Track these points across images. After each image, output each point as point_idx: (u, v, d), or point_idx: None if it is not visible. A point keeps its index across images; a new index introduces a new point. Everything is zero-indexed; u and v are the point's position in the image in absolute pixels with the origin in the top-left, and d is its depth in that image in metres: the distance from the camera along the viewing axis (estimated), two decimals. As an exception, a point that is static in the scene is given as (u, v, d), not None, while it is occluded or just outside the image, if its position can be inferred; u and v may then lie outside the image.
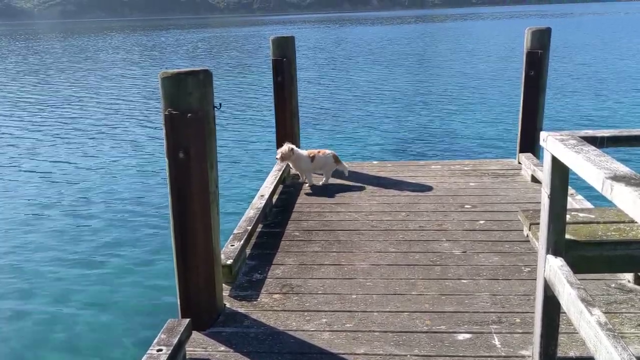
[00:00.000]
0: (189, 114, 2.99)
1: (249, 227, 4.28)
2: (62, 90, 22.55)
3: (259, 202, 4.83)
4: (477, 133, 12.68)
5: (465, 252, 4.16)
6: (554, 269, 2.36)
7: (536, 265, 3.78)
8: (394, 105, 16.60)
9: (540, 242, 2.53)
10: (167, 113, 3.04)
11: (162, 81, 3.05)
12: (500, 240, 4.35)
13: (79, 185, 9.60)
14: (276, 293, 3.62)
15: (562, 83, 19.45)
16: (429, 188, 5.70)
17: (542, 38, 6.10)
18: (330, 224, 4.79)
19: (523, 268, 3.86)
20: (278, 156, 5.72)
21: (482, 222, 4.74)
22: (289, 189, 5.81)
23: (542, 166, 5.76)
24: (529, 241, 4.19)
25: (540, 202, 2.52)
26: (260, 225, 4.73)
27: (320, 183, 5.88)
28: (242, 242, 4.00)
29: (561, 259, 2.40)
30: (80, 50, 47.43)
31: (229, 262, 3.68)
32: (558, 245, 2.44)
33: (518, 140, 6.46)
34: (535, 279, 2.65)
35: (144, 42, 55.91)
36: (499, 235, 4.44)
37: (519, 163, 6.34)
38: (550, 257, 2.44)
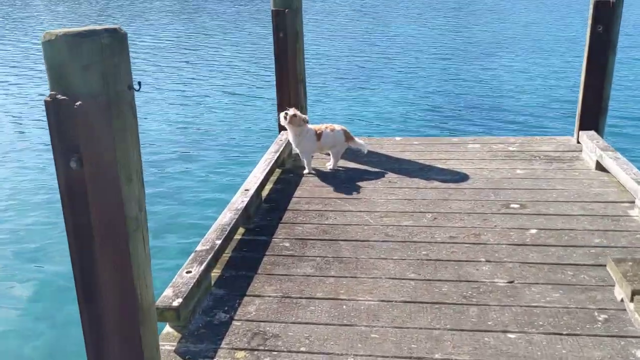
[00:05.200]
0: (78, 101, 1.88)
1: (219, 241, 3.19)
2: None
3: (239, 201, 3.71)
4: (526, 103, 10.68)
5: (512, 282, 3.01)
6: None
7: (616, 310, 2.66)
8: (423, 69, 14.25)
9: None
10: (49, 98, 1.93)
11: (44, 47, 1.93)
12: (559, 262, 3.18)
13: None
14: (241, 349, 2.56)
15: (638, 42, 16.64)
16: (464, 177, 4.51)
17: (616, -18, 4.72)
18: (332, 229, 3.68)
19: (596, 315, 2.70)
20: (283, 119, 4.58)
21: (533, 231, 3.57)
22: (287, 175, 4.68)
23: (611, 150, 4.51)
24: (604, 266, 3.03)
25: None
26: (241, 230, 3.66)
27: (328, 166, 4.76)
28: (204, 265, 2.93)
29: None
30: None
31: (176, 303, 2.61)
32: None
33: (578, 114, 5.16)
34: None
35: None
36: (558, 254, 3.27)
37: (579, 143, 5.07)
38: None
